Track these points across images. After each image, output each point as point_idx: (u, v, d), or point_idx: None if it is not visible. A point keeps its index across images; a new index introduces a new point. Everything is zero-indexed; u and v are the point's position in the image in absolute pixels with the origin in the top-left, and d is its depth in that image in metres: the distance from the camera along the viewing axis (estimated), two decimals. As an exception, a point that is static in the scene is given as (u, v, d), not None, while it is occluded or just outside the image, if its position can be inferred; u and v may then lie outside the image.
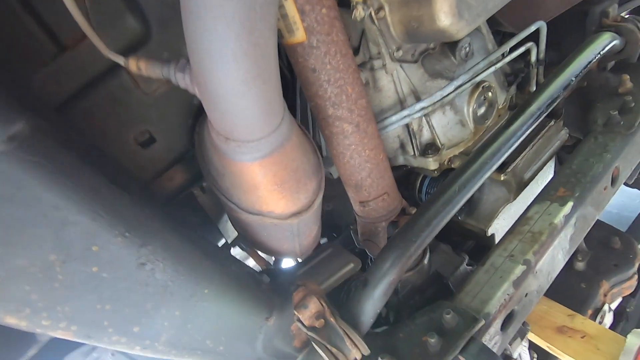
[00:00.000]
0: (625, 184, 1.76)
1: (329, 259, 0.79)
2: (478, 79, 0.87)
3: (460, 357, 0.69)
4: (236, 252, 1.18)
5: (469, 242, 1.15)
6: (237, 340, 0.59)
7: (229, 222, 0.89)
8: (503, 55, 0.92)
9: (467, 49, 0.87)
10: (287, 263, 1.19)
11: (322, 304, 0.65)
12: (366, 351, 0.66)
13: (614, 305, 1.33)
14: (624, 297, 1.42)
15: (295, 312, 0.65)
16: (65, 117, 0.55)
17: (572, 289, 1.21)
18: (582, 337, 1.02)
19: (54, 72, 0.55)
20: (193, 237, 0.50)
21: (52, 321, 0.40)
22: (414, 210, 0.86)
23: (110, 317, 0.41)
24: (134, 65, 0.47)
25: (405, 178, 1.04)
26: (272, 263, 1.27)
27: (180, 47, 0.63)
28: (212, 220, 0.95)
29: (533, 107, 0.82)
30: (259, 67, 0.39)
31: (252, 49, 0.38)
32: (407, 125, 0.89)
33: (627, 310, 1.65)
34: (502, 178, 0.91)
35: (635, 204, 1.78)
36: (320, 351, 0.64)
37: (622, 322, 1.54)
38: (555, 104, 0.84)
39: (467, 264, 0.95)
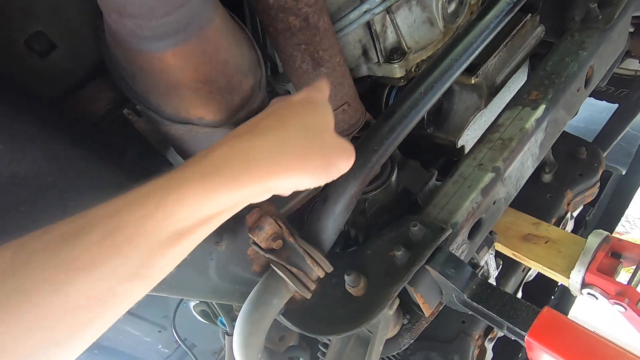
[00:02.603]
0: (594, 94, 1.74)
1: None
2: (448, -36, 0.75)
3: (427, 267, 0.68)
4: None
5: (440, 160, 1.12)
6: (186, 269, 0.53)
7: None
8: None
9: None
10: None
11: (278, 224, 0.60)
12: (329, 269, 0.63)
13: (575, 213, 1.38)
14: (584, 206, 1.47)
15: (250, 235, 0.59)
16: None
17: (538, 201, 1.23)
18: (545, 243, 1.05)
19: None
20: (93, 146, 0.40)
21: None
22: (379, 123, 0.79)
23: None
24: None
25: (370, 92, 0.95)
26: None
27: None
28: (157, 149, 0.85)
29: (509, -6, 0.72)
30: None
31: None
32: (370, 27, 0.78)
33: (587, 218, 1.74)
34: (473, 81, 0.83)
35: (602, 116, 1.78)
36: (280, 273, 0.60)
37: (580, 229, 1.63)
38: (533, -10, 0.74)
39: (436, 180, 0.91)
